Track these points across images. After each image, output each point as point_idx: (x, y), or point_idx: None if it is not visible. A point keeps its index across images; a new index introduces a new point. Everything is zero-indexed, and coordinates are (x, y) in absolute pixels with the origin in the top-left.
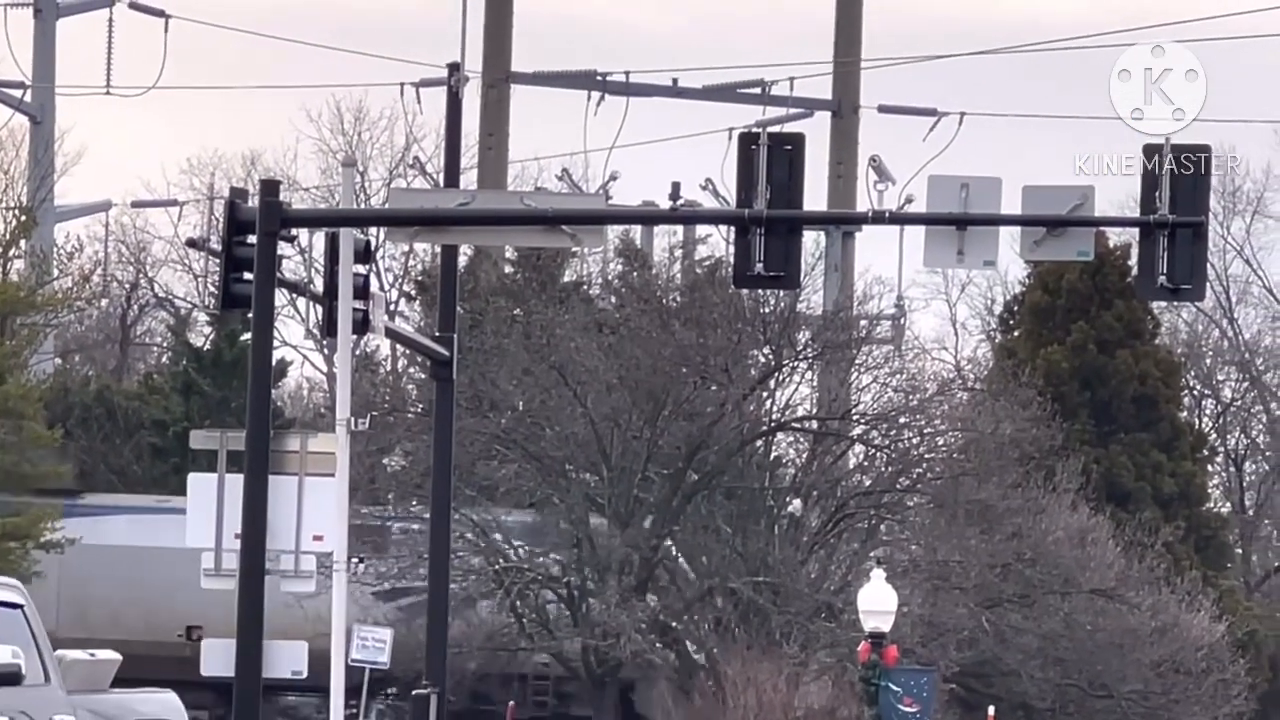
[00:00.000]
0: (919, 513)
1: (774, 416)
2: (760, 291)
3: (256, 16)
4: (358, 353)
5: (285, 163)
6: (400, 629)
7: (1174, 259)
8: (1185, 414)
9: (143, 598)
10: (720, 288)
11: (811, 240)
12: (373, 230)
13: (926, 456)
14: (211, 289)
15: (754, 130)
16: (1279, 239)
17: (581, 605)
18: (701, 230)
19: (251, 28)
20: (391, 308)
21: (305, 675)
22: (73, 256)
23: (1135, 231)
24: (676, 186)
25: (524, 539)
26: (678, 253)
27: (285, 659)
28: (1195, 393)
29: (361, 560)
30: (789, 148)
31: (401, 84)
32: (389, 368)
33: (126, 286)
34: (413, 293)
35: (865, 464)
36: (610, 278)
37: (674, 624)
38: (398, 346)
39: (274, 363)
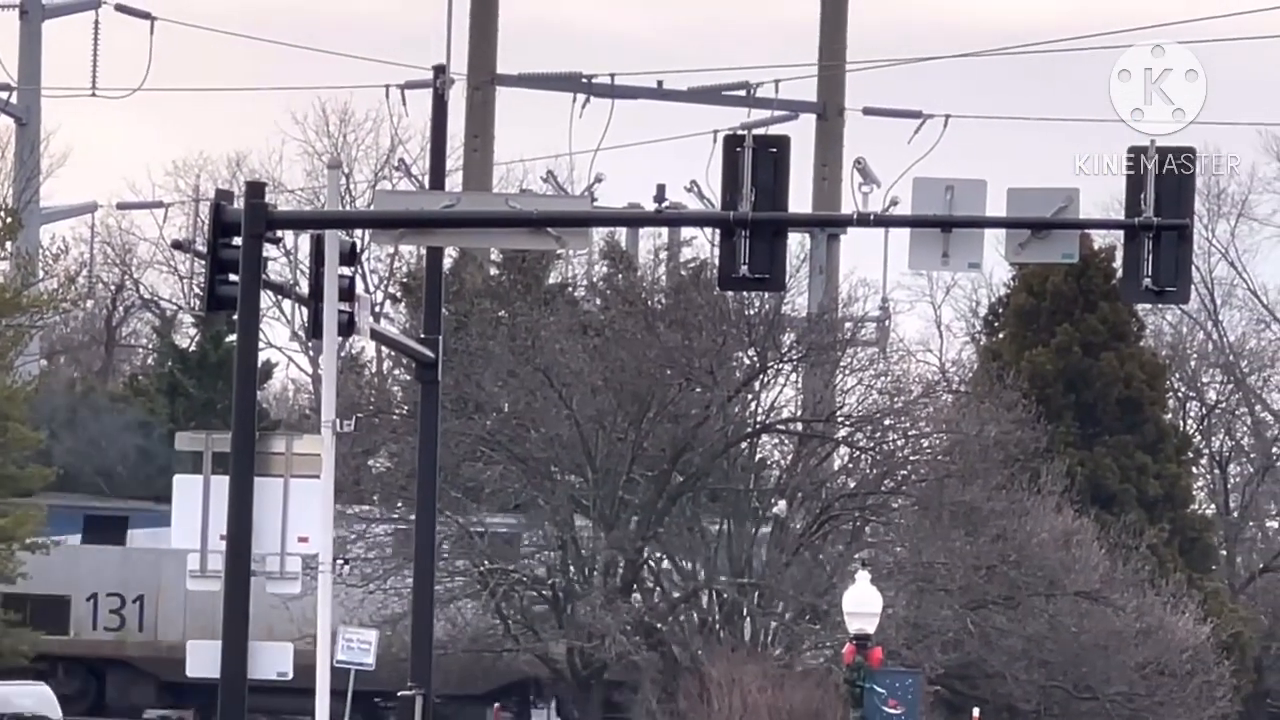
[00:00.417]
0: (904, 515)
1: (759, 418)
2: (745, 294)
3: (242, 19)
4: (343, 354)
5: (270, 165)
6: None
7: (1159, 261)
8: (1170, 416)
9: None
10: (705, 290)
11: (796, 242)
12: (358, 232)
13: (911, 458)
14: (197, 291)
15: (739, 133)
16: (1263, 241)
17: (566, 607)
18: (686, 232)
19: (237, 30)
20: (377, 310)
21: (291, 676)
22: (58, 258)
23: (1120, 234)
24: (661, 189)
25: (509, 540)
26: (663, 255)
27: (271, 660)
28: (1180, 395)
29: (347, 562)
30: (774, 150)
31: (386, 86)
32: (374, 369)
33: (112, 288)
34: (398, 295)
35: (850, 466)
36: (595, 280)
37: (659, 625)
38: (383, 348)
39: (259, 364)
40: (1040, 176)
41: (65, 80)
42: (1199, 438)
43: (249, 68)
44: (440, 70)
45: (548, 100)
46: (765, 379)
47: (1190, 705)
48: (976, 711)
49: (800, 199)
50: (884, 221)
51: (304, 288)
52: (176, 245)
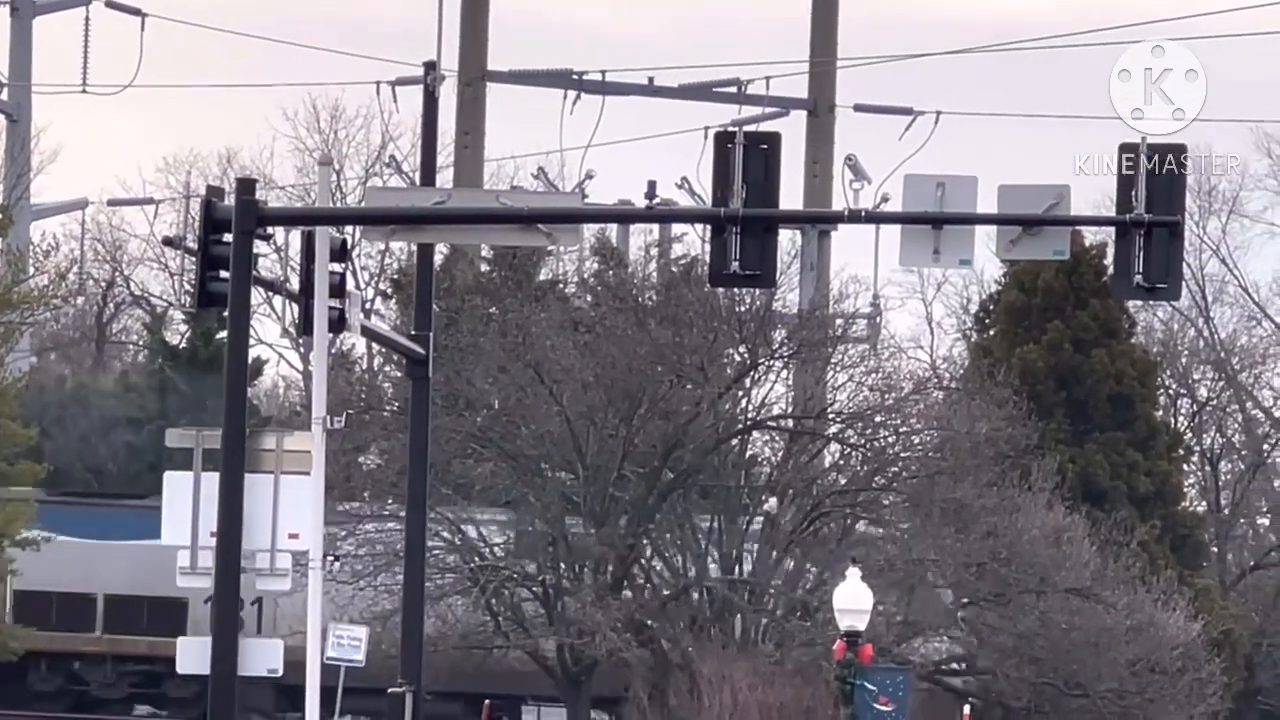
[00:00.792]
0: (894, 511)
1: (749, 415)
2: (736, 290)
3: (232, 15)
4: (334, 351)
5: (261, 161)
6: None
7: (1150, 258)
8: (1161, 413)
9: None
10: (696, 286)
11: (787, 239)
12: (349, 229)
13: (902, 455)
14: (187, 287)
15: (730, 129)
16: (1255, 238)
17: (557, 603)
18: (677, 229)
19: (228, 27)
20: (367, 306)
21: (281, 673)
22: (49, 254)
23: (1111, 230)
24: (652, 185)
25: (500, 537)
26: (653, 251)
27: (260, 657)
28: (1171, 392)
29: (337, 559)
30: (765, 147)
31: (378, 83)
32: (365, 366)
33: (102, 285)
34: (388, 291)
35: (841, 463)
36: (586, 276)
37: (649, 622)
38: (374, 345)
39: (250, 361)
40: (1031, 173)
41: (56, 77)
42: (1190, 434)
43: (240, 64)
44: (431, 67)
45: (538, 97)
46: (756, 375)
47: (1181, 702)
48: (967, 709)
49: (791, 195)
50: (875, 218)
51: (295, 284)
52: (167, 242)
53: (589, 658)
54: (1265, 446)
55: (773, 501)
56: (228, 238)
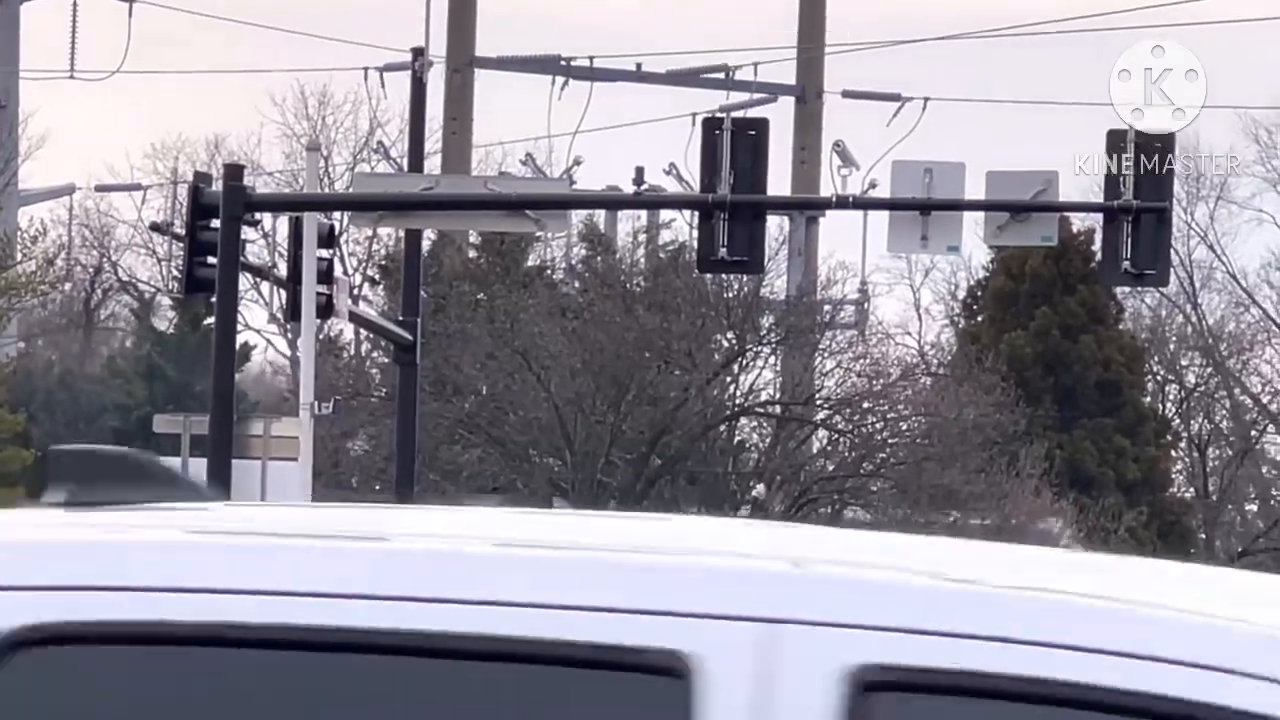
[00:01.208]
0: (882, 497)
1: (737, 401)
2: (724, 276)
3: (221, 1)
4: (321, 337)
5: (249, 147)
6: None
7: (1138, 244)
8: (1149, 399)
9: None
10: (684, 272)
11: (775, 225)
12: (337, 215)
13: (890, 441)
14: (175, 273)
15: (718, 115)
16: (1243, 225)
17: None
18: (665, 215)
19: (215, 12)
20: (355, 292)
21: None
22: (36, 240)
23: (1099, 217)
24: (640, 171)
25: None
26: (641, 237)
27: None
28: (1159, 378)
29: None
30: (753, 133)
31: (365, 68)
32: (353, 352)
33: (90, 270)
34: (376, 277)
35: (829, 449)
36: (574, 262)
37: None
38: (361, 331)
39: (237, 347)
40: (1019, 159)
41: (44, 62)
42: (1178, 421)
43: (228, 50)
44: (419, 53)
45: (526, 83)
46: (744, 362)
47: None
48: None
49: (779, 182)
50: (863, 204)
51: (282, 270)
52: (155, 228)
53: None
54: (1253, 433)
55: (760, 488)
56: (215, 223)
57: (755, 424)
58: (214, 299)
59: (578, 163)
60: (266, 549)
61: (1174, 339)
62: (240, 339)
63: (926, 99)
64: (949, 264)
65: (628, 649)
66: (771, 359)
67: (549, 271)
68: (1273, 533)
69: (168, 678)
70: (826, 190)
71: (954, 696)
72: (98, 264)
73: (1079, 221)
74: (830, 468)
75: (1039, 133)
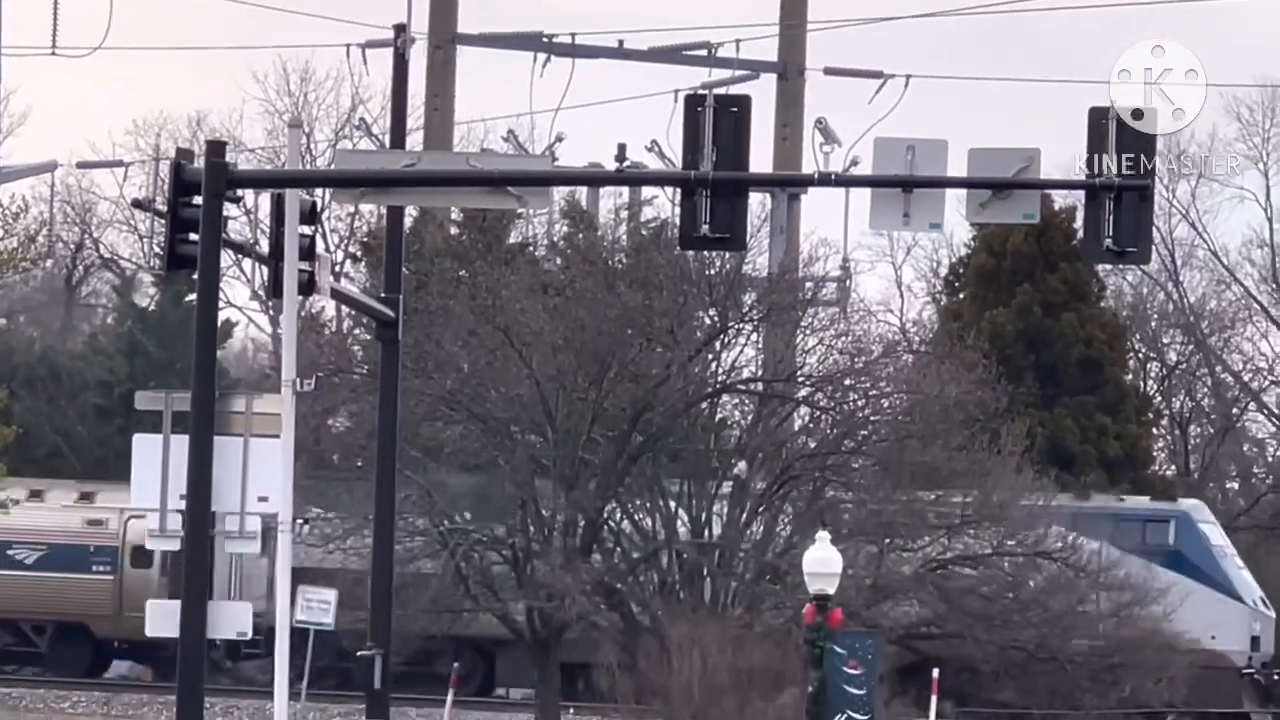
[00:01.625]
0: (864, 475)
1: (719, 378)
2: (706, 253)
3: None
4: (303, 314)
5: (231, 124)
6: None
7: (1120, 222)
8: (1130, 377)
9: None
10: (666, 249)
11: (757, 202)
12: (318, 191)
13: (871, 419)
14: (157, 250)
15: (700, 92)
16: (1224, 202)
17: (526, 567)
18: (647, 192)
19: None
20: (337, 269)
21: (250, 636)
22: (18, 217)
23: (1081, 194)
24: (622, 148)
25: (469, 500)
26: (623, 214)
27: (230, 620)
28: (1140, 356)
29: (306, 522)
30: (735, 110)
31: (347, 45)
32: (334, 329)
33: (71, 247)
34: (358, 254)
35: (810, 426)
36: (556, 239)
37: (619, 586)
38: (343, 308)
39: (219, 324)
40: (1001, 136)
41: (25, 39)
42: (1159, 398)
43: (209, 26)
44: (401, 29)
45: (508, 60)
46: (726, 339)
47: (1149, 668)
48: (936, 672)
49: (761, 159)
50: (845, 181)
51: (264, 247)
52: (136, 204)
53: (558, 621)
54: (1234, 410)
55: (742, 465)
56: (197, 200)
57: (737, 401)
58: (195, 276)
59: (560, 139)
60: None
61: (1155, 316)
62: (222, 316)
63: (909, 76)
64: (931, 241)
65: None
66: (753, 336)
67: (531, 248)
68: (1254, 510)
69: None
70: (809, 167)
71: None
72: (79, 240)
73: (1060, 199)
74: (812, 445)
75: (1021, 110)
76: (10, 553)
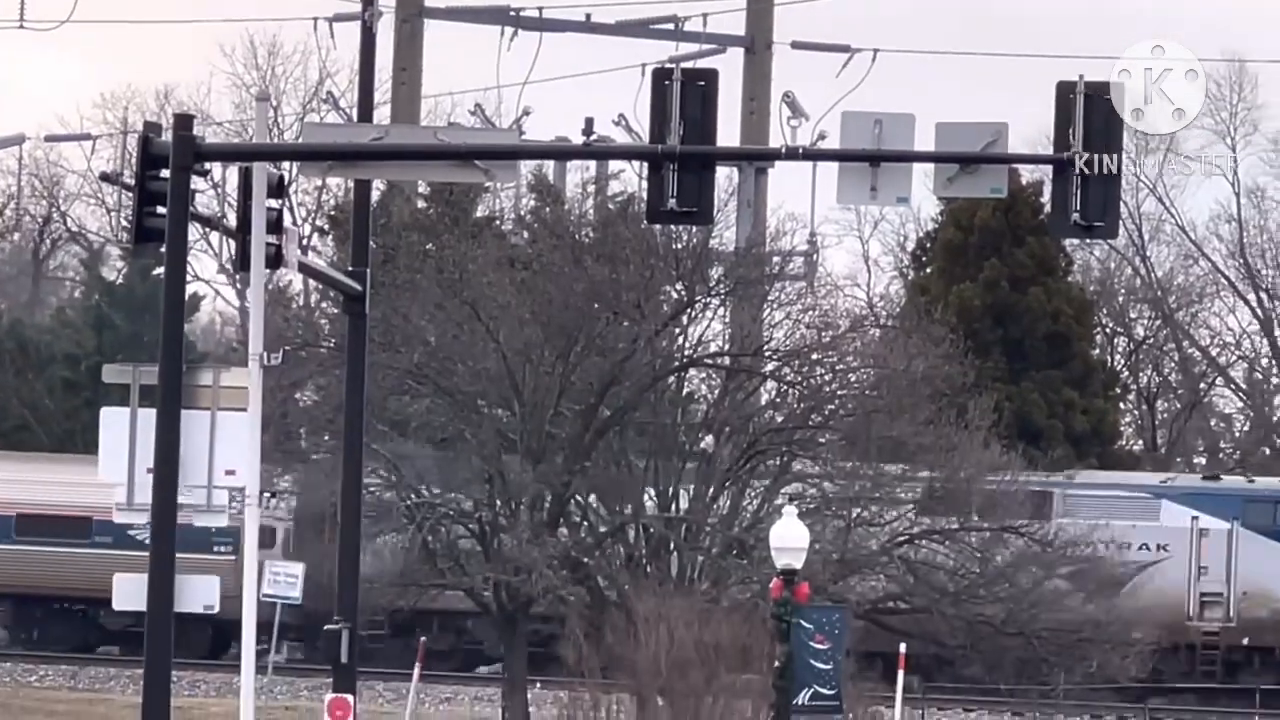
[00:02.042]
0: (831, 449)
1: (686, 353)
2: (673, 227)
3: None
4: (270, 287)
5: (199, 97)
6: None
7: (1087, 196)
8: (1097, 352)
9: None
10: (633, 224)
11: (724, 176)
12: (286, 165)
13: (839, 393)
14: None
15: (667, 66)
16: (1191, 177)
17: (493, 541)
18: (614, 166)
19: None
20: (304, 242)
21: (217, 610)
22: None
23: (1049, 169)
24: (590, 122)
25: (436, 474)
26: (590, 188)
27: (197, 594)
28: (1107, 330)
29: (273, 495)
30: (702, 84)
31: (315, 19)
32: (302, 302)
33: (39, 220)
34: (326, 227)
35: (777, 400)
36: (523, 213)
37: (585, 560)
38: (311, 281)
39: (187, 297)
40: (969, 111)
41: None
42: (1126, 373)
43: (177, 0)
44: (368, 3)
45: (476, 33)
46: (693, 313)
47: (1115, 643)
48: (903, 646)
49: (729, 133)
50: (812, 155)
51: (232, 220)
52: (104, 178)
53: (525, 595)
54: (1202, 385)
55: (709, 439)
56: (165, 173)
57: (704, 375)
58: (163, 249)
59: (527, 113)
60: None
61: (1123, 291)
62: (189, 289)
63: (876, 50)
64: (898, 215)
65: None
66: (720, 310)
67: (498, 222)
68: None
69: None
70: (776, 141)
71: None
72: (47, 214)
73: (1028, 173)
74: (779, 419)
75: (988, 85)
76: None
